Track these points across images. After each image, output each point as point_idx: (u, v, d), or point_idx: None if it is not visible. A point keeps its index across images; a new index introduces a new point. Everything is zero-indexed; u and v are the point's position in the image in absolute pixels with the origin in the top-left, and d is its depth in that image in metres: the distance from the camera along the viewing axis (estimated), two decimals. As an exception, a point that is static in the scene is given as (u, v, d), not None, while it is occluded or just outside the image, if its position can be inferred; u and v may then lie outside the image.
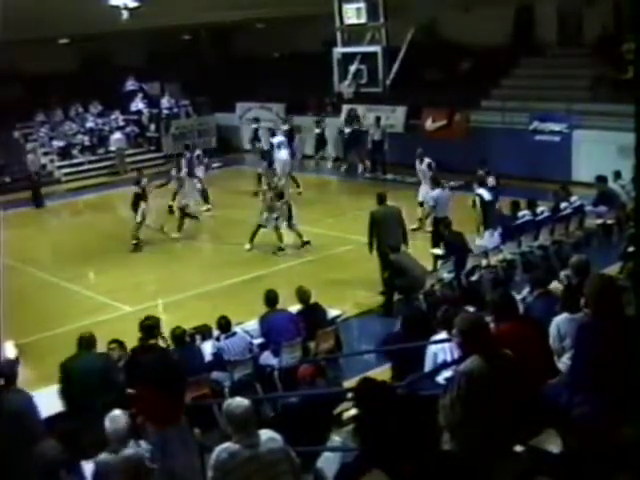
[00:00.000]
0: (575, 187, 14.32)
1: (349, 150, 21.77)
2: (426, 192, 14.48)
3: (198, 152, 19.33)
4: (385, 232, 11.37)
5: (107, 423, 5.29)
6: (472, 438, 4.28)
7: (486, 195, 12.66)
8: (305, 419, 6.51)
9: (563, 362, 5.36)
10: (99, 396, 6.58)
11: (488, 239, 11.98)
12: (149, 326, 7.23)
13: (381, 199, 11.81)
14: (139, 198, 16.21)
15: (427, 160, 16.09)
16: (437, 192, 13.05)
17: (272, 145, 19.61)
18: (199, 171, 18.51)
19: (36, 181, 20.37)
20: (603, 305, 4.50)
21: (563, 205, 12.93)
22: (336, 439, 6.33)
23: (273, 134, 20.31)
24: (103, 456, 5.31)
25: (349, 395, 6.69)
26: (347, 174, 21.34)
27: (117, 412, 5.36)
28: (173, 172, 17.32)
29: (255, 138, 21.48)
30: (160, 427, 6.43)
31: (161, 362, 7.04)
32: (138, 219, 15.70)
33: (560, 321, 5.74)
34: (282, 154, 19.03)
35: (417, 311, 9.65)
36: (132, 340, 8.07)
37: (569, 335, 5.42)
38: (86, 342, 7.14)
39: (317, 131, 22.47)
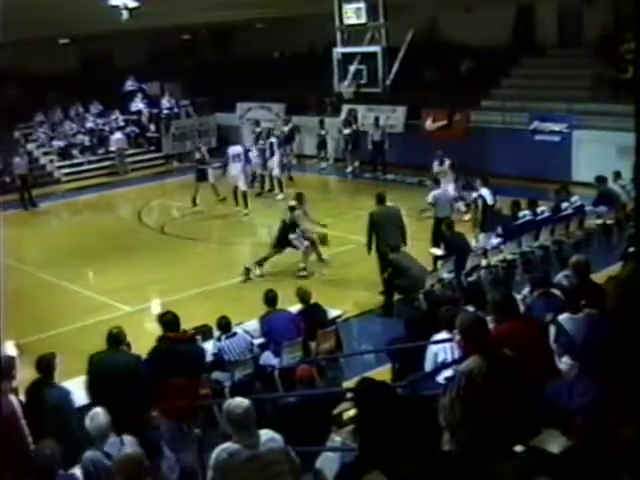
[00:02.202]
0: (575, 187, 14.31)
1: (346, 151, 21.80)
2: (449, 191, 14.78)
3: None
4: (384, 232, 11.34)
5: (87, 421, 5.37)
6: (472, 438, 4.28)
7: (489, 198, 12.53)
8: (303, 419, 6.51)
9: (563, 362, 5.36)
10: (122, 395, 6.49)
11: (484, 242, 11.91)
12: (170, 320, 7.14)
13: (380, 199, 11.80)
14: (201, 163, 18.10)
15: (448, 161, 16.45)
16: (438, 192, 13.03)
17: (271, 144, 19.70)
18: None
19: (21, 185, 20.09)
20: (622, 305, 4.51)
21: (564, 205, 12.92)
22: (336, 439, 6.33)
23: (268, 135, 20.44)
24: (89, 454, 5.33)
25: (349, 395, 6.70)
26: (352, 175, 21.33)
27: (97, 409, 5.42)
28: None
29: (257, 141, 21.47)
30: (176, 421, 6.45)
31: (192, 352, 7.11)
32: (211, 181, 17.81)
33: (562, 321, 5.75)
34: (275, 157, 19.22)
35: (419, 313, 9.66)
36: (133, 340, 8.06)
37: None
38: (113, 339, 7.09)
39: (322, 132, 22.43)
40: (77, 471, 5.43)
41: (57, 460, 4.98)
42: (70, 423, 6.33)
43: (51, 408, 6.39)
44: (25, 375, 9.75)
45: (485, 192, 12.56)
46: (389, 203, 12.04)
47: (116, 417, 5.59)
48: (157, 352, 6.94)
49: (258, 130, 21.42)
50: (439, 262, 11.50)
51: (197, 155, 19.14)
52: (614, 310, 4.63)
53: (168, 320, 7.01)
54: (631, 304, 4.49)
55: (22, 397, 6.58)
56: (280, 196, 18.80)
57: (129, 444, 5.32)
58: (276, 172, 19.13)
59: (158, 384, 6.73)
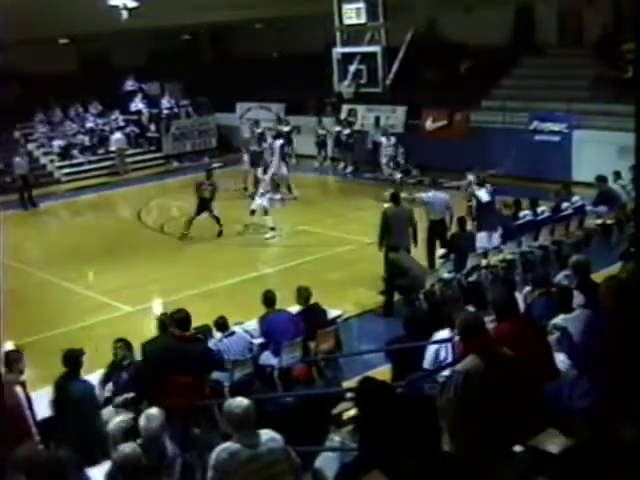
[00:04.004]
0: (575, 187, 14.31)
1: (343, 151, 21.82)
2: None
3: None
4: (394, 231, 11.31)
5: (142, 420, 5.21)
6: (472, 438, 4.28)
7: (483, 197, 12.51)
8: (302, 419, 6.51)
9: (561, 361, 5.38)
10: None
11: (482, 241, 11.87)
12: (181, 318, 7.26)
13: (395, 199, 11.77)
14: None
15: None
16: (430, 194, 12.82)
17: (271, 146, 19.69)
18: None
19: (21, 185, 20.10)
20: (616, 304, 4.51)
21: (564, 205, 12.90)
22: (336, 439, 6.33)
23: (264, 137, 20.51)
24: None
25: (349, 395, 6.70)
26: (353, 175, 21.32)
27: (154, 410, 5.28)
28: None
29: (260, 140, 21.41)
30: (182, 421, 6.50)
31: (207, 353, 7.26)
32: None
33: (558, 322, 5.76)
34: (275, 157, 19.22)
35: (419, 312, 9.65)
36: (133, 340, 8.07)
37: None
38: (161, 324, 7.31)
39: (321, 132, 22.39)
40: (96, 471, 5.43)
41: (68, 464, 4.94)
42: (92, 417, 6.50)
43: (74, 401, 6.55)
44: (26, 375, 9.75)
45: (480, 192, 12.55)
46: (388, 203, 12.01)
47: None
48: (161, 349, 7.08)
49: (259, 131, 21.43)
50: (439, 262, 11.50)
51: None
52: (608, 309, 4.62)
53: (179, 318, 7.12)
54: (624, 303, 4.48)
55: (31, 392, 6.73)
56: (278, 196, 18.82)
57: (170, 452, 5.28)
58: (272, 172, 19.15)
59: (159, 381, 6.81)
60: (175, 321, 7.11)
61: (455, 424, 4.33)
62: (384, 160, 18.21)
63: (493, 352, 4.55)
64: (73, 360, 6.69)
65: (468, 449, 4.18)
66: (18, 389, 6.32)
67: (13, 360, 6.59)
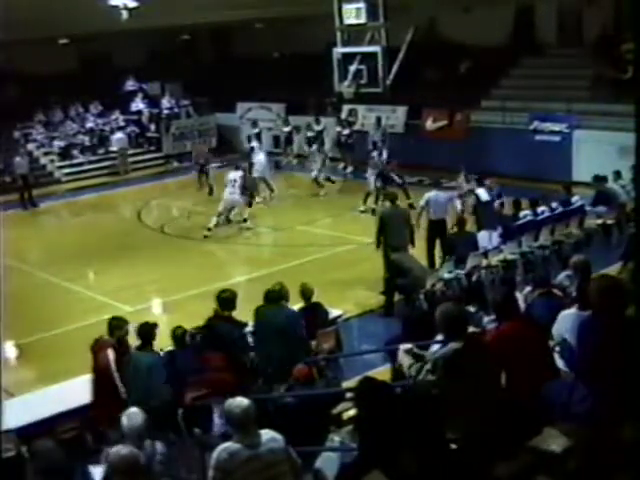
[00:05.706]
0: (575, 187, 14.31)
1: (343, 151, 21.78)
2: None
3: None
4: (391, 232, 11.34)
5: (124, 420, 5.28)
6: (465, 427, 4.29)
7: (483, 195, 12.56)
8: (302, 419, 6.50)
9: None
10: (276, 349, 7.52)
11: (483, 240, 11.87)
12: (225, 298, 7.71)
13: (392, 199, 11.81)
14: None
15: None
16: (431, 193, 12.83)
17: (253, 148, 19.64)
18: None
19: (21, 185, 20.13)
20: (607, 303, 4.50)
21: (554, 204, 12.85)
22: (336, 439, 6.33)
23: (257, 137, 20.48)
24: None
25: (349, 395, 6.69)
26: (353, 175, 21.28)
27: (134, 409, 5.37)
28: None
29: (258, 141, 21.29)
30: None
31: (234, 333, 7.64)
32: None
33: (566, 315, 5.72)
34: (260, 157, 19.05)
35: (418, 311, 9.66)
36: (133, 340, 8.07)
37: (569, 331, 5.41)
38: (277, 295, 7.90)
39: (309, 134, 22.04)
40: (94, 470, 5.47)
41: (62, 466, 4.94)
42: (154, 389, 6.92)
43: (136, 370, 7.07)
44: (26, 375, 9.77)
45: (479, 191, 12.60)
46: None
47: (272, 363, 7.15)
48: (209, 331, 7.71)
49: (255, 131, 21.38)
50: (439, 261, 11.51)
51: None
52: (598, 309, 4.62)
53: (222, 297, 7.63)
54: (617, 303, 4.48)
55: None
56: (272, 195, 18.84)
57: (159, 451, 5.30)
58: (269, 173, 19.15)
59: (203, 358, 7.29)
60: (218, 300, 7.59)
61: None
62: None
63: (470, 340, 4.66)
64: (144, 333, 7.28)
65: (464, 440, 4.19)
66: (109, 351, 7.16)
67: (114, 327, 7.45)
